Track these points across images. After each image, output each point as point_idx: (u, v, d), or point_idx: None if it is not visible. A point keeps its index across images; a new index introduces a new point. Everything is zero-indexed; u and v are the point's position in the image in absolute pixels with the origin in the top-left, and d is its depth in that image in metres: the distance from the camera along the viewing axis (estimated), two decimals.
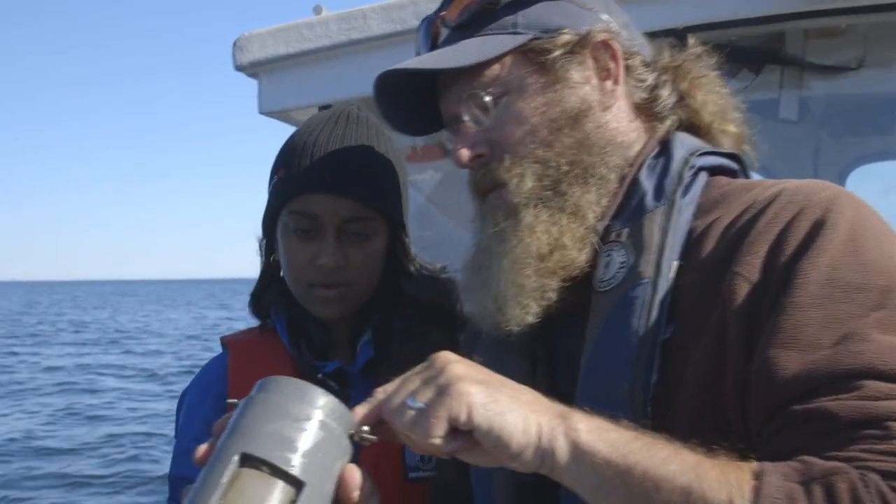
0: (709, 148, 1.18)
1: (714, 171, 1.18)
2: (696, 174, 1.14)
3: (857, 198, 1.04)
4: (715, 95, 1.25)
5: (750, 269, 0.98)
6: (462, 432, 0.90)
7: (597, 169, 1.15)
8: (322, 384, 1.58)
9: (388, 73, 1.20)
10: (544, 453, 0.89)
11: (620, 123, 1.19)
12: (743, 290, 0.97)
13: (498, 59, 1.17)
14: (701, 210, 1.11)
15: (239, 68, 2.63)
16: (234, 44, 2.64)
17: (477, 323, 1.20)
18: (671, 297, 1.04)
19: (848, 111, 2.74)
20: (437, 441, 0.89)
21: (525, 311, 1.12)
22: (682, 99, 1.24)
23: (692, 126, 1.24)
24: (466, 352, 1.34)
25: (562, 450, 0.89)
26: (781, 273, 0.96)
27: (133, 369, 22.72)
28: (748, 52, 2.19)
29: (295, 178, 1.58)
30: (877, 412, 0.86)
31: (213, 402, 1.61)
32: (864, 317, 0.91)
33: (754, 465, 0.87)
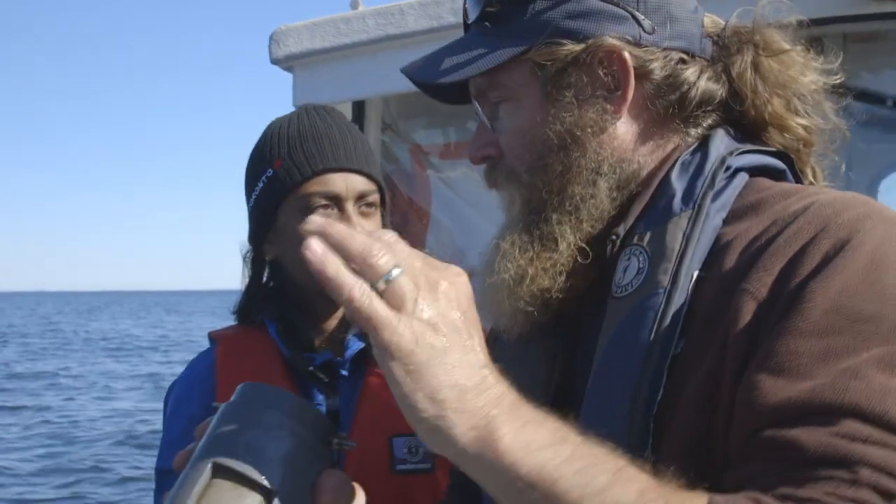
0: (751, 146, 1.09)
1: (757, 171, 1.09)
2: (733, 175, 1.05)
3: (890, 217, 0.95)
4: (788, 75, 1.12)
5: (759, 287, 0.92)
6: None
7: (578, 198, 1.08)
8: (312, 377, 1.63)
9: (402, 71, 1.20)
10: (443, 439, 0.80)
11: (626, 141, 1.10)
12: (748, 309, 0.91)
13: (501, 63, 1.10)
14: (733, 216, 1.03)
15: (275, 61, 2.64)
16: (271, 37, 2.65)
17: (493, 325, 1.19)
18: (687, 310, 0.97)
19: (885, 116, 2.71)
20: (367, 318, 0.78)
21: (513, 325, 1.12)
22: (735, 90, 1.11)
23: (750, 120, 1.13)
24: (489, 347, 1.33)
25: (472, 445, 0.79)
26: (789, 295, 0.90)
27: None
28: None
29: (305, 162, 1.63)
30: (849, 454, 0.80)
31: (200, 397, 1.61)
32: (865, 351, 0.84)
33: (703, 497, 0.81)
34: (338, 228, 0.80)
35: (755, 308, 0.91)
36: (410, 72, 1.19)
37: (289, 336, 1.66)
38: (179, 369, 1.82)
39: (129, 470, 11.90)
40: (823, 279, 0.88)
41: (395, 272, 0.79)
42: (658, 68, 1.08)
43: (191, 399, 1.64)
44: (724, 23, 1.16)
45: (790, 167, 1.12)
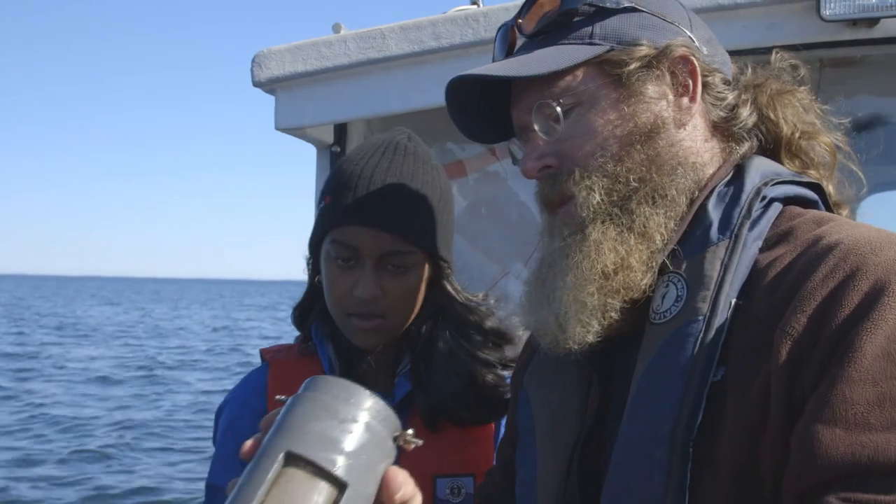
0: (786, 176, 1.12)
1: (789, 200, 1.12)
2: (768, 205, 1.09)
3: None
4: (799, 110, 1.20)
5: (796, 327, 0.93)
6: None
7: (667, 190, 1.11)
8: None
9: (461, 78, 1.17)
10: None
11: (695, 143, 1.15)
12: (788, 350, 0.93)
13: (572, 69, 1.13)
14: (767, 244, 1.06)
15: (257, 84, 2.65)
16: (253, 60, 2.66)
17: (536, 338, 1.18)
18: (725, 338, 0.99)
19: (862, 140, 2.74)
20: None
21: (586, 330, 1.09)
22: (762, 117, 1.19)
23: (775, 143, 1.19)
24: (520, 370, 1.32)
25: None
26: (832, 339, 0.90)
27: None
28: None
29: (338, 208, 1.61)
30: None
31: (251, 417, 1.65)
32: None
33: None
34: None
35: (794, 347, 0.92)
36: (483, 72, 1.16)
37: (342, 360, 1.69)
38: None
39: None
40: (870, 326, 0.88)
41: None
42: (712, 82, 1.17)
43: (242, 418, 1.69)
44: (742, 66, 1.24)
45: (822, 197, 1.16)
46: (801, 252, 1.00)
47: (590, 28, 1.15)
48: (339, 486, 0.86)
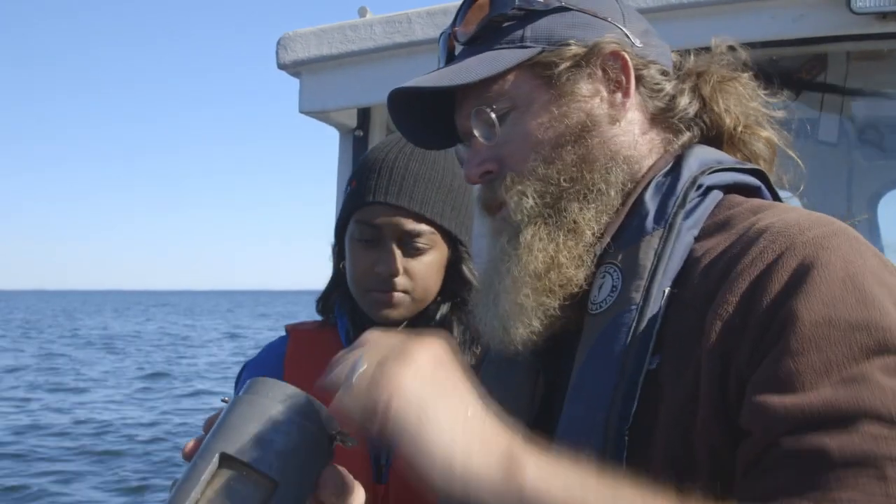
0: (726, 164, 1.13)
1: (731, 188, 1.13)
2: (706, 193, 1.09)
3: (855, 236, 0.97)
4: (743, 98, 1.20)
5: (726, 307, 0.94)
6: None
7: (598, 185, 1.11)
8: None
9: (397, 91, 1.20)
10: (469, 488, 0.85)
11: (629, 137, 1.15)
12: (716, 331, 0.93)
13: (504, 73, 1.14)
14: (704, 233, 1.07)
15: (282, 66, 2.66)
16: (278, 42, 2.67)
17: (484, 339, 1.20)
18: (660, 327, 1.00)
19: (886, 135, 2.72)
20: (358, 420, 0.86)
21: (528, 330, 1.11)
22: (704, 105, 1.19)
23: (718, 133, 1.19)
24: (476, 369, 1.36)
25: (502, 487, 0.84)
26: (764, 315, 0.91)
27: None
28: (790, 73, 2.19)
29: (363, 190, 1.72)
30: (874, 454, 0.81)
31: None
32: (866, 359, 0.85)
33: None
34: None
35: (725, 330, 0.93)
36: (410, 86, 1.19)
37: (358, 334, 1.74)
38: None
39: None
40: (803, 296, 0.89)
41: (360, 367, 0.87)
42: (647, 74, 1.16)
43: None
44: (682, 54, 1.24)
45: (766, 183, 1.17)
46: (735, 241, 1.01)
47: (521, 31, 1.15)
48: (272, 485, 0.89)
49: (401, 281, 1.70)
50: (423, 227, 1.71)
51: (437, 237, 1.73)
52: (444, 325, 1.76)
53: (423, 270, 1.72)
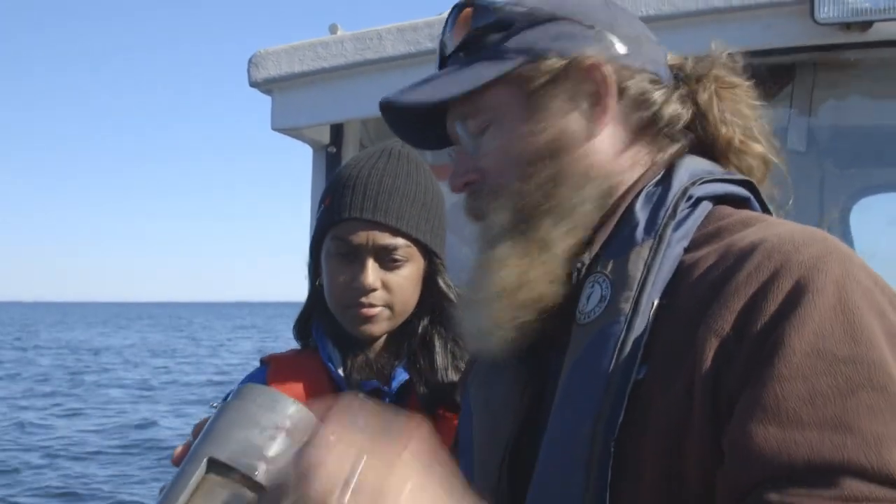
0: (716, 174, 1.13)
1: (720, 199, 1.12)
2: (696, 204, 1.09)
3: (847, 254, 0.97)
4: (741, 107, 1.18)
5: (721, 324, 0.93)
6: None
7: (570, 201, 1.10)
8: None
9: (384, 103, 1.20)
10: None
11: (610, 151, 1.14)
12: (711, 346, 0.93)
13: (485, 86, 1.13)
14: (694, 244, 1.06)
15: (253, 84, 2.65)
16: (250, 60, 2.67)
17: (466, 343, 1.21)
18: (648, 337, 1.00)
19: (854, 143, 2.76)
20: None
21: (504, 341, 1.11)
22: (699, 113, 1.17)
23: (712, 143, 1.18)
24: (465, 377, 1.35)
25: None
26: (760, 337, 0.90)
27: None
28: (758, 82, 2.21)
29: (338, 207, 1.73)
30: None
31: None
32: (851, 396, 0.85)
33: None
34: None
35: (718, 346, 0.92)
36: (394, 98, 1.19)
37: (345, 361, 1.76)
38: None
39: None
40: (796, 322, 0.89)
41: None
42: (632, 85, 1.13)
43: None
44: (684, 58, 1.22)
45: (755, 195, 1.16)
46: (725, 251, 1.00)
47: (504, 43, 1.14)
48: (260, 490, 0.88)
49: (380, 295, 1.71)
50: (400, 240, 1.72)
51: (414, 250, 1.75)
52: (427, 340, 1.77)
53: (401, 283, 1.74)
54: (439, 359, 1.76)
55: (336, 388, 1.71)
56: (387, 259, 1.72)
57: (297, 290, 2.01)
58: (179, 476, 0.89)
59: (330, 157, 2.74)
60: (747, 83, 1.20)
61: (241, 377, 1.87)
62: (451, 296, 1.79)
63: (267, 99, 2.72)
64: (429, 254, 1.78)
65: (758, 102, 1.20)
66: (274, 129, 2.70)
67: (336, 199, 1.74)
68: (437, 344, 1.78)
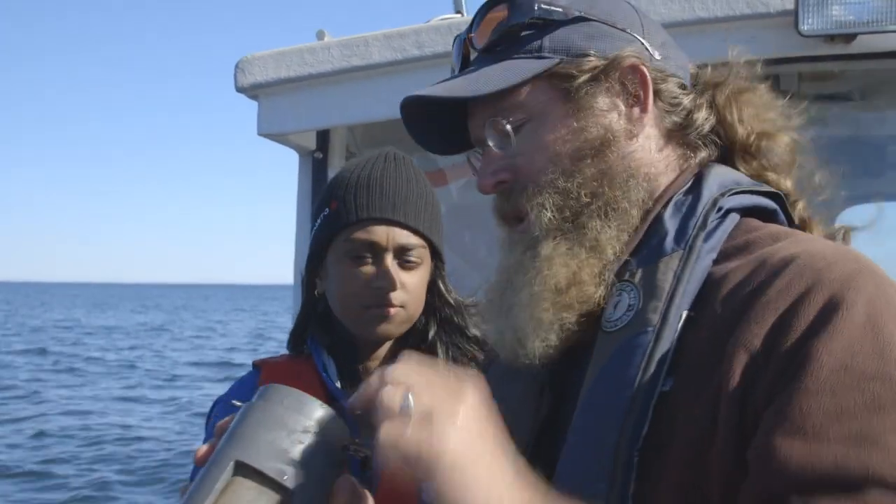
0: (744, 185, 1.12)
1: (748, 211, 1.11)
2: (724, 216, 1.08)
3: (879, 273, 0.97)
4: (760, 109, 1.18)
5: (752, 339, 0.93)
6: None
7: (619, 203, 1.09)
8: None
9: (411, 99, 1.16)
10: None
11: (648, 153, 1.13)
12: (741, 361, 0.93)
13: (521, 84, 1.11)
14: (723, 256, 1.05)
15: (240, 90, 2.65)
16: (237, 66, 2.66)
17: (496, 349, 1.18)
18: (675, 349, 0.99)
19: (838, 154, 2.78)
20: (397, 463, 0.87)
21: (545, 344, 1.08)
22: (720, 119, 1.17)
23: (731, 144, 1.17)
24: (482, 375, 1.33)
25: None
26: (789, 353, 0.90)
27: None
28: None
29: (350, 208, 1.71)
30: None
31: None
32: (877, 413, 0.85)
33: None
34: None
35: (748, 360, 0.92)
36: (427, 93, 1.16)
37: (338, 366, 1.74)
38: None
39: None
40: (826, 338, 0.89)
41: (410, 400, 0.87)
42: (665, 89, 1.14)
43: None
44: (701, 66, 1.22)
45: (782, 207, 1.15)
46: (756, 266, 1.00)
47: (539, 41, 1.13)
48: (287, 494, 0.88)
49: (399, 295, 1.70)
50: (416, 240, 1.72)
51: (426, 252, 1.75)
52: (432, 345, 1.76)
53: (416, 285, 1.73)
54: (446, 360, 1.75)
55: (330, 397, 1.66)
56: (404, 259, 1.71)
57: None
58: (205, 478, 0.88)
59: (316, 163, 2.73)
60: (763, 86, 1.20)
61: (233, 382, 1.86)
62: (451, 300, 1.79)
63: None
64: (435, 257, 1.78)
65: (774, 102, 1.20)
66: (260, 134, 2.69)
67: (347, 201, 1.71)
68: (440, 351, 1.76)
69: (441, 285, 1.78)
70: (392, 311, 1.69)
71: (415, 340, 1.77)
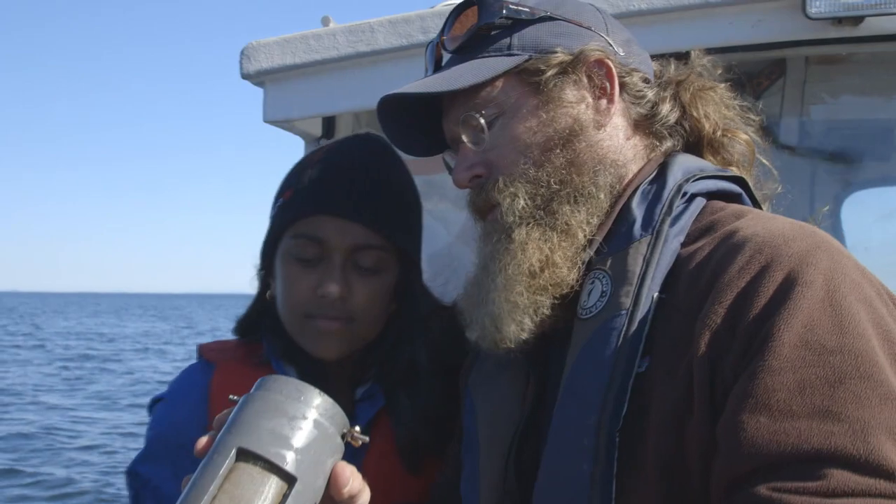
0: (708, 171, 1.16)
1: (713, 195, 1.16)
2: (690, 200, 1.12)
3: (836, 248, 1.00)
4: (721, 106, 1.25)
5: (714, 318, 0.96)
6: None
7: (587, 188, 1.14)
8: None
9: (388, 98, 1.22)
10: None
11: (615, 142, 1.19)
12: (707, 340, 0.95)
13: (492, 80, 1.17)
14: (690, 238, 1.09)
15: (245, 76, 2.64)
16: (242, 52, 2.66)
17: (476, 341, 1.20)
18: (649, 331, 1.03)
19: (846, 137, 2.76)
20: None
21: (520, 328, 1.12)
22: (684, 112, 1.23)
23: (697, 139, 1.23)
24: (465, 372, 1.36)
25: None
26: (751, 330, 0.93)
27: None
28: (750, 77, 2.22)
29: (302, 199, 1.45)
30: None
31: (188, 419, 1.44)
32: (839, 386, 0.87)
33: None
34: None
35: (712, 339, 0.95)
36: (403, 91, 1.20)
37: (289, 358, 1.49)
38: None
39: None
40: (786, 315, 0.91)
41: None
42: (630, 82, 1.20)
43: (177, 420, 1.49)
44: (664, 63, 1.29)
45: (746, 190, 1.20)
46: (718, 244, 1.04)
47: (508, 39, 1.19)
48: (289, 480, 0.90)
49: (348, 305, 1.44)
50: (377, 241, 1.46)
51: (391, 258, 1.49)
52: (410, 369, 1.50)
53: (372, 294, 1.47)
54: (415, 390, 1.46)
55: None
56: (360, 263, 1.45)
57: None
58: (207, 466, 0.90)
59: None
60: (723, 85, 1.27)
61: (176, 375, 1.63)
62: (429, 302, 1.54)
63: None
64: (406, 261, 1.52)
65: (736, 101, 1.27)
66: (266, 121, 2.69)
67: (300, 193, 1.46)
68: (412, 371, 1.48)
69: (417, 294, 1.52)
70: (334, 325, 1.43)
71: (383, 363, 1.50)
